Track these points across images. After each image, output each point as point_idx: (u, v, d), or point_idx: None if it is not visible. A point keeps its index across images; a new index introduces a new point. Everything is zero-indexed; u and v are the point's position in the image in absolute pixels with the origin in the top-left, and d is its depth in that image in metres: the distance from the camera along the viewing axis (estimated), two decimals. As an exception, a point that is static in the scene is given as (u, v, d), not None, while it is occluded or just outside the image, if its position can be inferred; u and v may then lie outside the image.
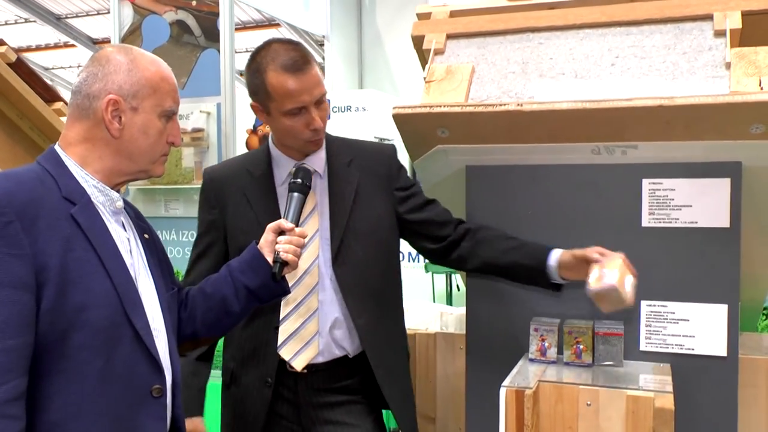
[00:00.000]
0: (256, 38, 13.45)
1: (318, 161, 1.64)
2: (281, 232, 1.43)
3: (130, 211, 1.33)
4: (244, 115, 4.95)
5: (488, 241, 1.56)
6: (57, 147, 1.23)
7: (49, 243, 1.11)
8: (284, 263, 1.41)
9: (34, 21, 14.13)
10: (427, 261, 6.03)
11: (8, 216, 1.08)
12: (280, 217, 1.47)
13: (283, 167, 1.65)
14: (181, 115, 6.76)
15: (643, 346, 1.51)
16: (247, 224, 1.61)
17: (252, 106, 1.63)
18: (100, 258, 1.17)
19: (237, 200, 1.64)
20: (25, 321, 1.08)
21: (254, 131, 8.64)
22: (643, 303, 1.52)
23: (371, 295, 1.61)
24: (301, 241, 1.45)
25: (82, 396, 1.15)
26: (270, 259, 1.43)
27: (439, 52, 1.63)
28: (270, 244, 1.44)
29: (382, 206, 1.66)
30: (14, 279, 1.07)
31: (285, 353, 1.61)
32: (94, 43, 14.92)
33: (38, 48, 15.60)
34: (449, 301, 5.66)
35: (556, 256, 1.47)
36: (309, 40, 12.96)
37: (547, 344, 1.51)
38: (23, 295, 1.08)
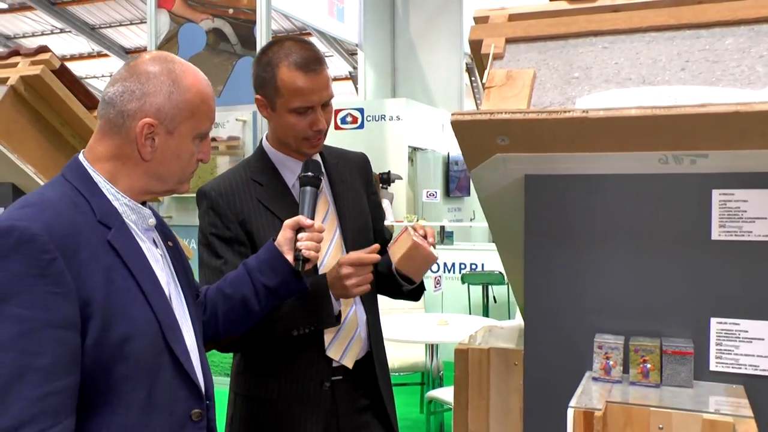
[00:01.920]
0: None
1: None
2: (300, 229, 1.44)
3: (157, 220, 1.30)
4: (280, 124, 4.95)
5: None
6: (83, 160, 1.20)
7: (91, 275, 1.08)
8: (306, 260, 1.42)
9: (69, 31, 14.41)
10: (463, 272, 5.99)
11: (52, 253, 1.05)
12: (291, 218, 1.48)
13: (290, 168, 1.65)
14: (217, 123, 6.83)
15: (714, 366, 1.44)
16: (273, 231, 1.61)
17: (256, 100, 1.63)
18: (139, 285, 1.15)
19: (256, 211, 1.62)
20: (72, 360, 1.06)
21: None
22: (713, 320, 1.46)
23: (372, 290, 1.66)
24: (321, 237, 1.47)
25: (126, 428, 1.13)
26: (289, 257, 1.42)
27: (498, 56, 1.59)
28: (289, 241, 1.43)
29: (366, 206, 1.78)
30: (60, 318, 1.05)
31: (333, 353, 1.60)
32: (127, 52, 15.15)
33: (72, 58, 15.90)
34: (485, 312, 5.61)
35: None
36: (340, 48, 13.07)
37: (611, 362, 1.45)
38: (69, 334, 1.05)
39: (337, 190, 1.67)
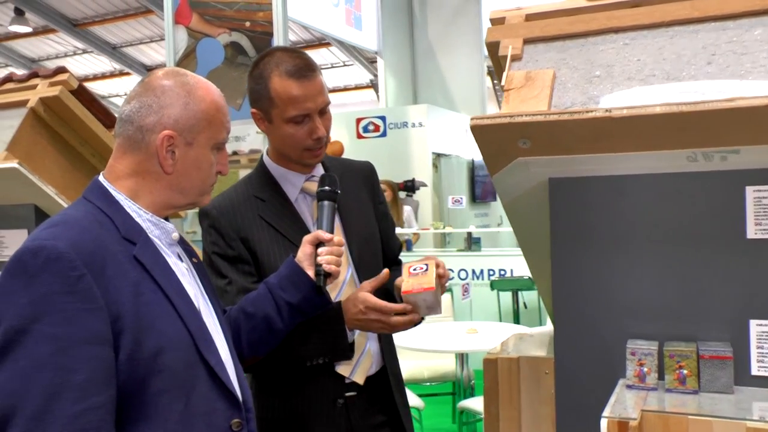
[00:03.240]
0: (308, 58, 13.63)
1: (320, 173, 1.67)
2: (319, 243, 1.42)
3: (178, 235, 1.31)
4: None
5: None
6: (103, 180, 1.20)
7: (120, 290, 1.09)
8: (327, 274, 1.40)
9: (91, 51, 14.63)
10: (492, 279, 5.94)
11: (80, 269, 1.06)
12: (308, 233, 1.46)
13: (292, 183, 1.64)
14: (238, 136, 6.89)
15: (756, 370, 1.40)
16: (277, 248, 1.58)
17: (252, 114, 1.61)
18: (169, 298, 1.15)
19: (258, 227, 1.60)
20: (108, 375, 1.06)
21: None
22: (753, 322, 1.41)
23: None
24: (341, 250, 1.46)
25: None
26: (310, 272, 1.41)
27: (516, 58, 1.56)
28: (309, 257, 1.42)
29: (372, 216, 1.76)
30: (93, 334, 1.05)
31: (343, 369, 1.58)
32: (148, 70, 15.35)
33: (95, 77, 16.14)
34: (516, 319, 5.55)
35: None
36: (360, 57, 13.10)
37: (645, 369, 1.41)
38: (102, 349, 1.06)
39: (341, 201, 1.64)
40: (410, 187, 8.31)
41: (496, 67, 1.67)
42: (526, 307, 5.63)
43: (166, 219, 1.25)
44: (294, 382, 1.59)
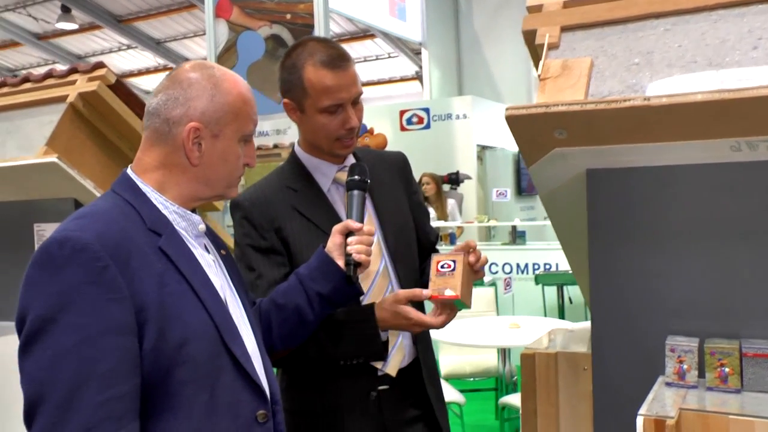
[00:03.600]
0: (352, 51, 13.68)
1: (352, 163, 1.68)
2: (348, 233, 1.43)
3: (206, 228, 1.33)
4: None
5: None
6: (131, 173, 1.23)
7: (144, 281, 1.11)
8: (357, 264, 1.41)
9: (136, 47, 14.91)
10: (537, 272, 5.89)
11: (104, 260, 1.08)
12: (340, 222, 1.47)
13: (324, 174, 1.64)
14: (279, 129, 6.96)
15: (801, 368, 1.36)
16: (309, 238, 1.58)
17: (284, 104, 1.62)
18: (194, 289, 1.17)
19: (290, 218, 1.61)
20: (132, 365, 1.09)
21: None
22: (799, 319, 1.37)
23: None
24: (371, 240, 1.46)
25: (192, 431, 1.14)
26: (340, 262, 1.42)
27: (553, 46, 1.54)
28: (339, 246, 1.43)
29: (407, 206, 1.76)
30: (117, 324, 1.08)
31: (375, 362, 1.59)
32: (192, 64, 15.49)
33: (140, 73, 16.43)
34: (561, 314, 5.49)
35: None
36: (405, 48, 13.07)
37: (685, 366, 1.39)
38: (127, 339, 1.08)
39: (374, 191, 1.65)
40: (454, 180, 8.28)
41: (533, 56, 1.65)
42: (571, 302, 5.56)
43: (194, 211, 1.27)
44: (326, 376, 1.60)
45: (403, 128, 8.89)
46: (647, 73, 1.44)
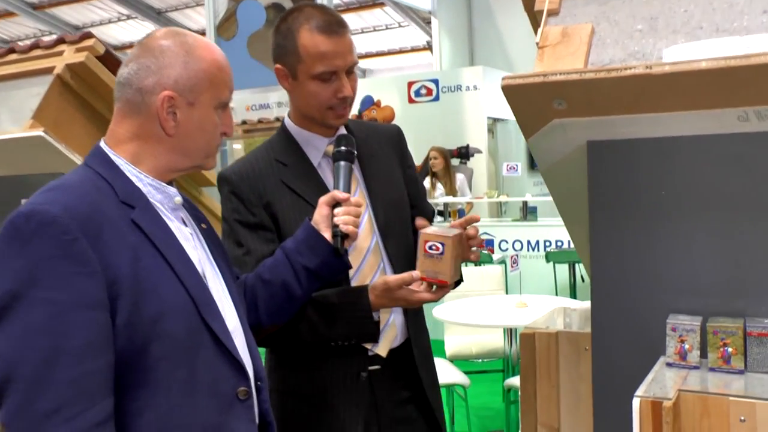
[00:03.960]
0: (360, 20, 13.58)
1: None
2: (335, 204, 1.42)
3: (185, 202, 1.32)
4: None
5: None
6: (104, 145, 1.22)
7: (117, 254, 1.11)
8: (345, 236, 1.40)
9: (136, 17, 14.85)
10: (548, 250, 5.86)
11: (73, 233, 1.07)
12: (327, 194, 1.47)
13: (315, 147, 1.63)
14: (281, 102, 6.89)
15: (808, 349, 1.34)
16: (299, 213, 1.58)
17: (276, 70, 1.60)
18: (169, 263, 1.16)
19: (279, 192, 1.60)
20: (105, 340, 1.08)
21: (359, 116, 8.66)
22: (807, 297, 1.35)
23: (409, 268, 1.61)
24: (359, 211, 1.46)
25: (170, 408, 1.15)
26: (327, 235, 1.41)
27: (552, 12, 1.51)
28: (326, 218, 1.43)
29: (401, 180, 1.74)
30: (88, 299, 1.07)
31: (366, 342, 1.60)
32: (195, 34, 15.44)
33: (141, 43, 16.38)
34: (573, 293, 5.48)
35: None
36: (416, 17, 12.96)
37: (687, 346, 1.37)
38: (99, 314, 1.08)
39: (365, 165, 1.63)
40: (464, 153, 8.24)
41: (533, 23, 1.63)
42: (583, 280, 5.55)
43: (170, 183, 1.26)
44: (316, 356, 1.60)
45: (411, 100, 8.84)
46: (650, 40, 1.41)
